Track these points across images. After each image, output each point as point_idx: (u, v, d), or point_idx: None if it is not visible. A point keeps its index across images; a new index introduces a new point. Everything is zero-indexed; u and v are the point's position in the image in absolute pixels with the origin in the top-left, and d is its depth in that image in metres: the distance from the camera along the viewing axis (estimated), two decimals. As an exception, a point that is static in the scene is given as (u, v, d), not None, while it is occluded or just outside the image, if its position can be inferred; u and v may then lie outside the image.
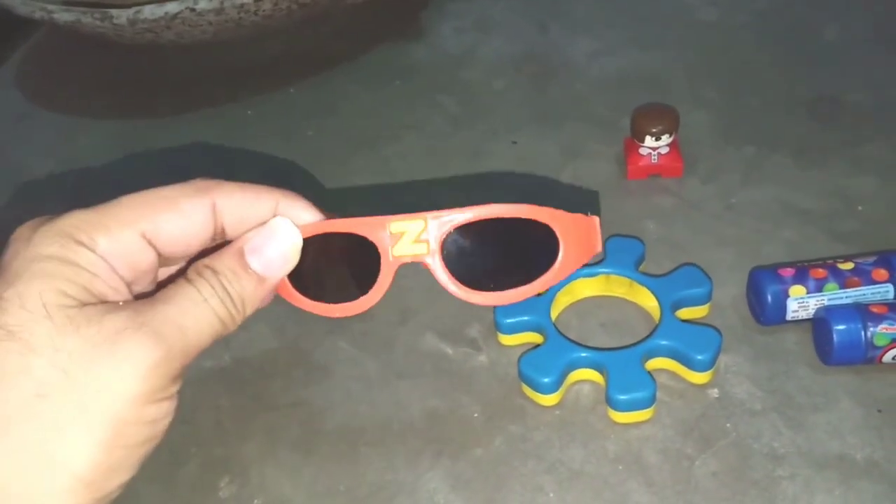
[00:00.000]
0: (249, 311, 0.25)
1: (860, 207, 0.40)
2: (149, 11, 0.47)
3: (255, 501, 0.31)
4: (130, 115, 0.57)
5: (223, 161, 0.51)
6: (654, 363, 0.32)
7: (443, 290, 0.38)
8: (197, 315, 0.23)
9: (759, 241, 0.39)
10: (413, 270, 0.40)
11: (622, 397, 0.30)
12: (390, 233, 0.25)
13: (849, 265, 0.32)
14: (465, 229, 0.26)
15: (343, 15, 0.60)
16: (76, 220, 0.23)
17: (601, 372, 0.32)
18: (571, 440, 0.31)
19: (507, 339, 0.34)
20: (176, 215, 0.24)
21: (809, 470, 0.29)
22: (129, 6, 0.48)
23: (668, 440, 0.31)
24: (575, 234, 0.27)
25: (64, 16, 0.50)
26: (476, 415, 0.33)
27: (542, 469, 0.30)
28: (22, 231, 0.23)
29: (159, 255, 0.24)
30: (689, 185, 0.42)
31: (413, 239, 0.25)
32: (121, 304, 0.22)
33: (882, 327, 0.30)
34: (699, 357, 0.31)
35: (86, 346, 0.21)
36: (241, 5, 0.49)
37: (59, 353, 0.20)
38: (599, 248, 0.28)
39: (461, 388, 0.34)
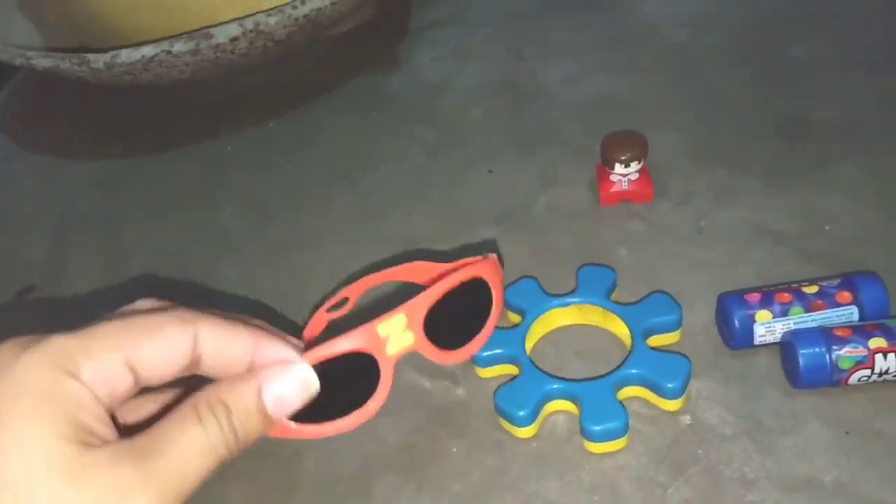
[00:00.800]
0: (247, 446, 0.25)
1: (827, 227, 0.40)
2: (125, 55, 0.48)
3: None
4: (111, 155, 0.58)
5: (203, 197, 0.51)
6: (627, 392, 0.33)
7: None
8: (201, 462, 0.22)
9: (730, 264, 0.39)
10: (390, 294, 0.40)
11: (595, 428, 0.30)
12: (379, 337, 0.27)
13: (813, 288, 0.33)
14: (434, 307, 0.28)
15: (321, 47, 0.61)
16: (62, 347, 0.22)
17: (575, 403, 0.32)
18: (547, 472, 0.32)
19: (484, 372, 0.35)
20: (159, 343, 0.24)
21: (779, 494, 0.30)
22: (105, 51, 0.49)
23: (642, 468, 0.31)
24: (495, 276, 0.31)
25: (42, 62, 0.50)
26: (455, 449, 0.33)
27: (520, 502, 0.31)
28: (3, 356, 0.22)
29: (136, 380, 0.24)
30: (660, 209, 0.43)
31: (399, 334, 0.27)
32: (120, 445, 0.22)
33: (846, 350, 0.31)
34: (669, 385, 0.31)
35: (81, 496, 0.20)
36: (217, 45, 0.50)
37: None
38: (501, 285, 0.32)
39: (440, 423, 0.34)
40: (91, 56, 0.49)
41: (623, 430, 0.31)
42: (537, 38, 0.61)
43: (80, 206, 0.53)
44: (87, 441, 0.21)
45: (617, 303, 0.35)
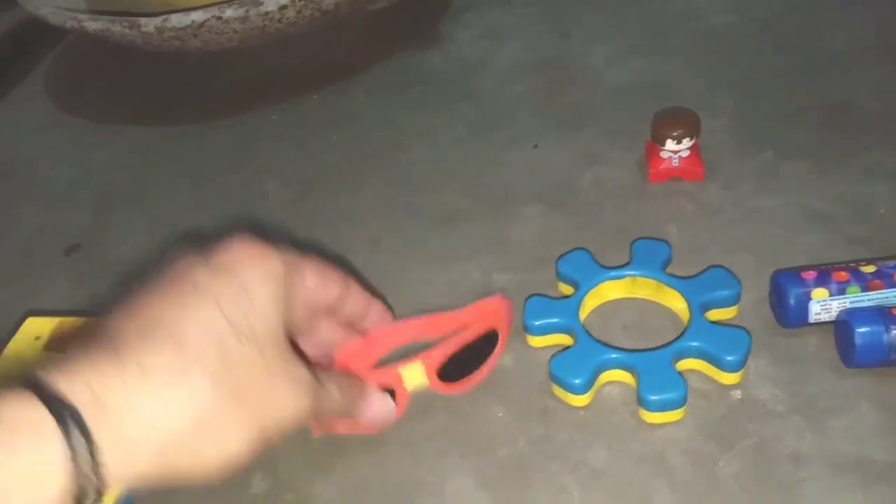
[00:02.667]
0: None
1: (882, 211, 0.40)
2: (176, 20, 0.49)
3: (287, 496, 0.32)
4: (154, 122, 0.58)
5: (245, 166, 0.52)
6: (683, 364, 0.33)
7: (464, 293, 0.39)
8: (328, 394, 0.28)
9: (779, 245, 0.39)
10: (430, 273, 0.41)
11: (654, 398, 0.30)
12: (400, 377, 0.32)
13: (871, 268, 0.33)
14: (448, 358, 0.33)
15: (362, 24, 0.61)
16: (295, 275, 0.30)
17: (631, 373, 0.32)
18: (595, 441, 0.31)
19: (535, 341, 0.35)
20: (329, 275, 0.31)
21: (829, 472, 0.29)
22: (156, 15, 0.49)
23: (692, 441, 0.31)
24: (506, 322, 0.35)
25: (93, 24, 0.51)
26: (500, 415, 0.33)
27: (566, 469, 0.31)
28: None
29: None
30: (710, 189, 0.42)
31: (416, 377, 0.33)
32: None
33: (904, 330, 0.30)
34: (730, 358, 0.31)
35: (285, 363, 0.26)
36: (266, 13, 0.50)
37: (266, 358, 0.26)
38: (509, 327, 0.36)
39: (485, 389, 0.34)
40: (142, 20, 0.49)
41: (681, 402, 0.30)
42: (579, 19, 0.61)
43: (123, 171, 0.54)
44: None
45: (674, 276, 0.35)
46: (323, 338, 0.33)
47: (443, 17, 0.64)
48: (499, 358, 0.35)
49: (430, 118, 0.53)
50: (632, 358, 0.32)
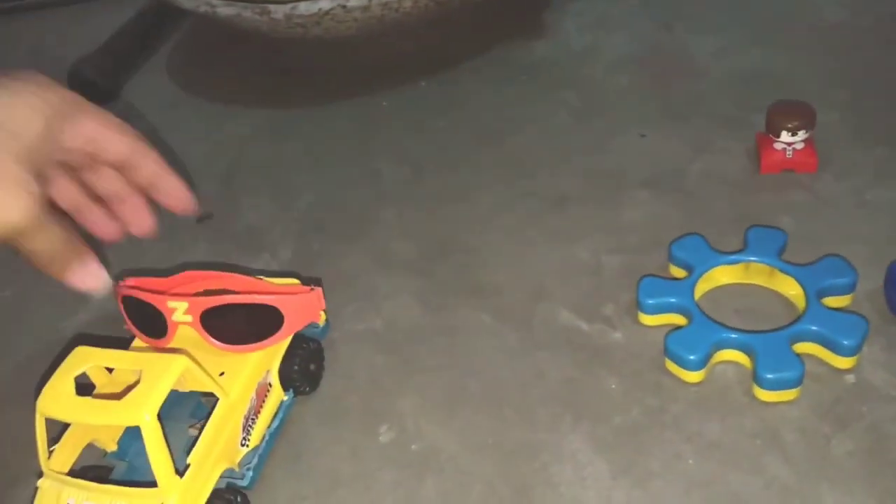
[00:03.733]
0: (52, 270, 0.31)
1: None
2: (304, 7, 0.52)
3: (413, 446, 0.34)
4: (273, 106, 0.62)
5: (360, 148, 0.55)
6: (799, 347, 0.33)
7: (574, 272, 0.41)
8: (45, 232, 0.29)
9: (893, 238, 0.39)
10: (541, 252, 0.42)
11: (771, 376, 0.31)
12: (168, 307, 0.34)
13: None
14: (214, 309, 0.34)
15: (469, 14, 0.64)
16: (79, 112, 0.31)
17: (747, 354, 0.33)
18: (709, 415, 0.33)
19: (647, 319, 0.36)
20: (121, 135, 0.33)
21: (948, 457, 0.30)
22: (285, 2, 0.53)
23: (805, 420, 0.32)
24: (295, 311, 0.35)
25: (226, 10, 0.55)
26: (613, 386, 0.35)
27: (681, 439, 0.32)
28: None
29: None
30: (823, 181, 0.43)
31: (181, 314, 0.34)
32: None
33: None
34: (847, 342, 0.32)
35: None
36: (385, 3, 0.53)
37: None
38: (320, 317, 0.37)
39: (598, 362, 0.36)
40: (272, 7, 0.52)
41: (798, 381, 0.31)
42: (683, 11, 0.61)
43: (248, 148, 0.57)
44: None
45: (789, 263, 0.36)
46: (102, 186, 0.34)
47: (547, 8, 0.65)
48: (276, 341, 0.34)
49: (536, 106, 0.54)
50: (749, 338, 0.33)
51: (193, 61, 0.71)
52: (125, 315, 0.36)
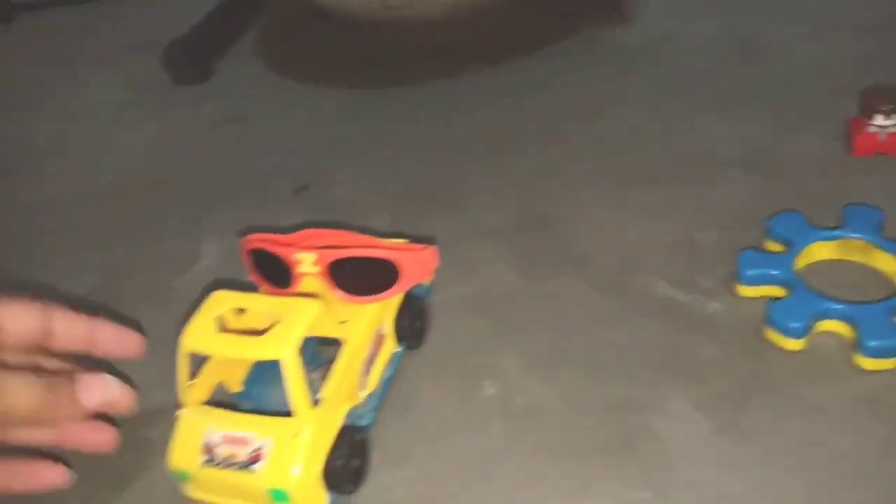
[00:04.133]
0: (59, 419, 0.31)
1: None
2: (402, -10, 0.54)
3: (517, 400, 0.36)
4: (359, 85, 0.64)
5: (445, 127, 0.57)
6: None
7: (668, 246, 0.42)
8: (20, 387, 0.29)
9: None
10: (632, 227, 0.44)
11: (874, 343, 0.32)
12: (296, 259, 0.36)
13: None
14: (339, 262, 0.35)
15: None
16: None
17: (848, 324, 0.34)
18: (811, 380, 0.34)
19: (745, 291, 0.38)
20: (16, 309, 0.32)
21: None
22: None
23: (908, 388, 0.33)
24: (412, 266, 0.36)
25: (323, -7, 0.57)
26: (713, 352, 0.36)
27: (784, 402, 0.33)
28: None
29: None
30: (917, 164, 0.43)
31: (309, 265, 0.36)
32: None
33: None
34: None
35: None
36: (478, -14, 0.55)
37: None
38: (431, 274, 0.38)
39: (696, 330, 0.37)
40: (371, -11, 0.55)
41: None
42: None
43: (337, 126, 0.60)
44: None
45: (889, 240, 0.37)
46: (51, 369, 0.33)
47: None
48: (393, 294, 0.36)
49: (619, 88, 0.56)
50: (851, 308, 0.34)
51: (280, 43, 0.73)
52: (250, 267, 0.38)
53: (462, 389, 0.37)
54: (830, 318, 0.35)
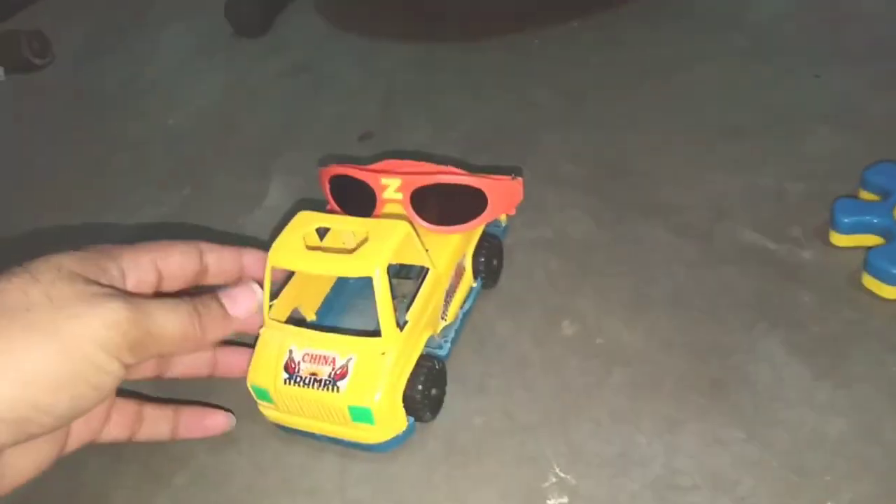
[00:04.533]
0: (210, 336, 0.30)
1: None
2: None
3: (598, 340, 0.35)
4: (422, 40, 0.63)
5: (514, 80, 0.56)
6: None
7: (755, 196, 0.41)
8: (166, 312, 0.28)
9: None
10: (719, 178, 0.42)
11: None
12: (381, 183, 0.35)
13: None
14: (423, 189, 0.35)
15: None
16: (113, 247, 0.30)
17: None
18: (913, 328, 0.32)
19: (839, 240, 0.36)
20: (176, 253, 0.32)
21: None
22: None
23: None
24: (499, 194, 0.36)
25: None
26: (807, 299, 0.35)
27: (884, 348, 0.32)
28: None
29: (160, 280, 0.31)
30: None
31: (392, 192, 0.35)
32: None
33: None
34: None
35: (74, 292, 0.26)
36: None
37: (52, 288, 0.26)
38: (516, 204, 0.37)
39: (789, 277, 0.36)
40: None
41: None
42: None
43: (401, 78, 0.59)
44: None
45: None
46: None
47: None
48: (479, 224, 0.35)
49: (700, 46, 0.54)
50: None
51: (336, 1, 0.73)
52: (330, 195, 0.37)
53: (539, 328, 0.36)
54: (935, 265, 0.33)
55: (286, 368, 0.31)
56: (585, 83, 0.53)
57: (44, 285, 0.26)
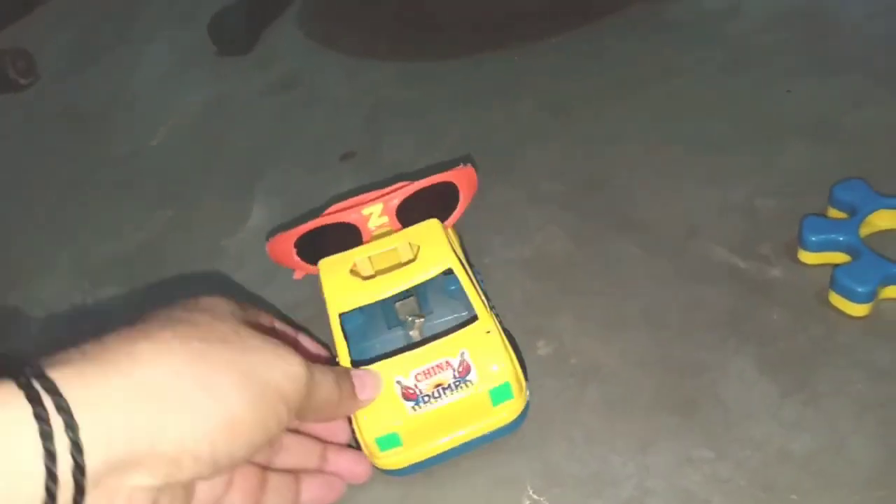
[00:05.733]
0: (341, 411, 0.30)
1: None
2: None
3: (572, 360, 0.36)
4: (408, 57, 0.64)
5: (500, 94, 0.56)
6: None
7: (727, 212, 0.42)
8: (323, 374, 0.28)
9: None
10: (692, 194, 0.43)
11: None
12: (363, 215, 0.36)
13: None
14: (406, 201, 0.36)
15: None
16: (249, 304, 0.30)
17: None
18: (878, 345, 0.33)
19: (808, 257, 0.37)
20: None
21: None
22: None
23: (982, 356, 0.32)
24: (465, 181, 0.37)
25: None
26: (776, 317, 0.35)
27: (851, 364, 0.33)
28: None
29: None
30: None
31: (377, 218, 0.36)
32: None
33: None
34: None
35: (257, 337, 0.26)
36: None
37: (239, 328, 0.26)
38: (475, 187, 0.38)
39: (758, 294, 0.37)
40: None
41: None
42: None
43: (387, 95, 0.60)
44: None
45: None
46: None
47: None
48: (458, 216, 0.37)
49: (679, 60, 0.54)
50: (923, 274, 0.33)
51: (326, 14, 0.73)
52: (298, 259, 0.37)
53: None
54: (899, 284, 0.34)
55: (406, 398, 0.31)
56: (568, 97, 0.54)
57: (229, 324, 0.26)
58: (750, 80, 0.51)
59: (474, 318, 0.32)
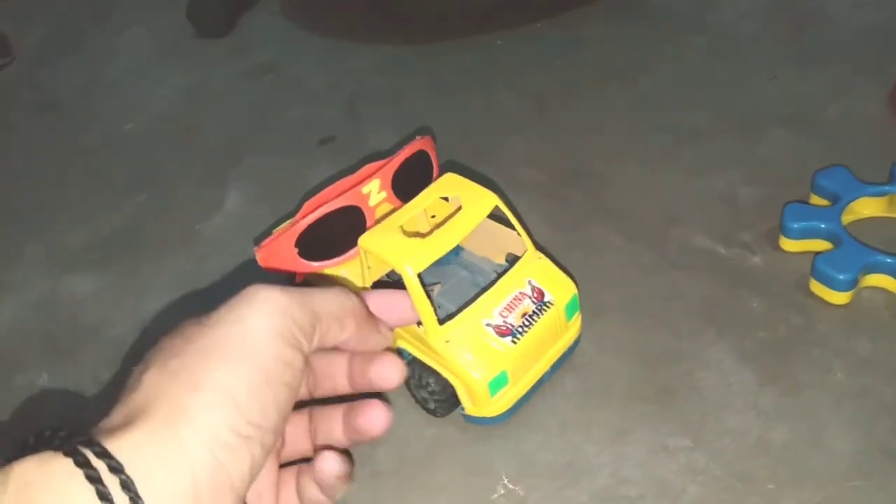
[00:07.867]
0: (363, 335, 0.28)
1: None
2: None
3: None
4: (390, 42, 0.63)
5: (480, 82, 0.55)
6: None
7: (709, 201, 0.41)
8: (326, 295, 0.26)
9: None
10: (675, 182, 0.42)
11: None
12: (363, 194, 0.35)
13: None
14: (398, 172, 0.36)
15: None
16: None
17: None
18: (858, 334, 0.33)
19: (789, 245, 0.36)
20: None
21: None
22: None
23: (961, 345, 0.32)
24: (431, 147, 0.39)
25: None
26: (755, 305, 0.35)
27: (830, 354, 0.32)
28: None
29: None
30: (971, 125, 0.42)
31: (376, 193, 0.35)
32: None
33: None
34: None
35: (233, 300, 0.25)
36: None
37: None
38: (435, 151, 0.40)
39: (739, 283, 0.36)
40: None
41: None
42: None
43: (368, 81, 0.59)
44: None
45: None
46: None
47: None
48: (437, 176, 0.37)
49: (662, 48, 0.54)
50: (903, 261, 0.33)
51: (304, 4, 0.72)
52: (299, 256, 0.35)
53: (494, 336, 0.36)
54: (879, 271, 0.33)
55: (502, 335, 0.31)
56: (549, 85, 0.53)
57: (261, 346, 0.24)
58: (732, 68, 0.51)
59: (515, 261, 0.33)
